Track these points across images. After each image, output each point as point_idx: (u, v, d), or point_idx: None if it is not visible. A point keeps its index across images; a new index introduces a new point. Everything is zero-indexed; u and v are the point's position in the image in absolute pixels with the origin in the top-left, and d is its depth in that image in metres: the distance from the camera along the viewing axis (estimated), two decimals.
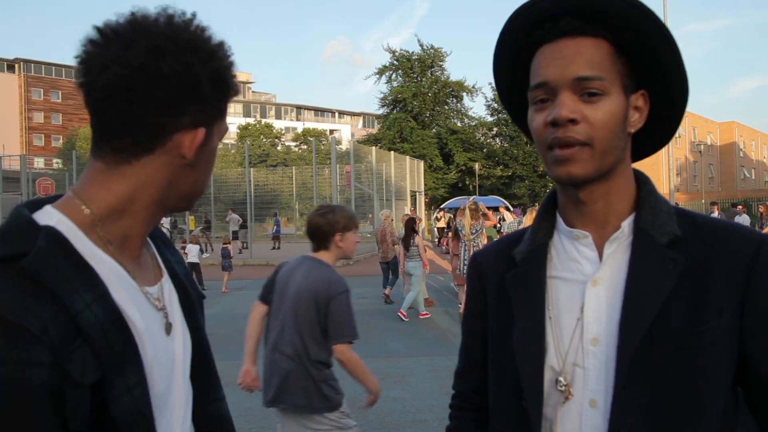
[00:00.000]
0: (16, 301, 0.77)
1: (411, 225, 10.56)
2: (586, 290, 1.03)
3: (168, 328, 1.01)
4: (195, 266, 13.27)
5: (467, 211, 9.61)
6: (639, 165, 1.14)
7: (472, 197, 12.06)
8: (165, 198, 0.97)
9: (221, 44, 0.96)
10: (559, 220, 1.11)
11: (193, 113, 0.93)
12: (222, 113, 0.99)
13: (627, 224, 1.04)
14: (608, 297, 1.02)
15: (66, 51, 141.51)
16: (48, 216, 0.89)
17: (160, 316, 1.00)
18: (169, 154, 0.93)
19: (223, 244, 14.69)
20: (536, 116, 1.02)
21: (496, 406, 1.15)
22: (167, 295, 1.05)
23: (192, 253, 13.39)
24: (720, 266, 0.98)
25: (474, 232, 9.48)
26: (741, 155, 60.07)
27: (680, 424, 0.95)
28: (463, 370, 1.28)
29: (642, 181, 1.09)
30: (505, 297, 1.13)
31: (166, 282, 1.06)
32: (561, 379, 1.02)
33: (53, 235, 0.85)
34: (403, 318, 9.94)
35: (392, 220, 12.69)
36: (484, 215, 9.97)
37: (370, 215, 22.59)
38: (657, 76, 1.04)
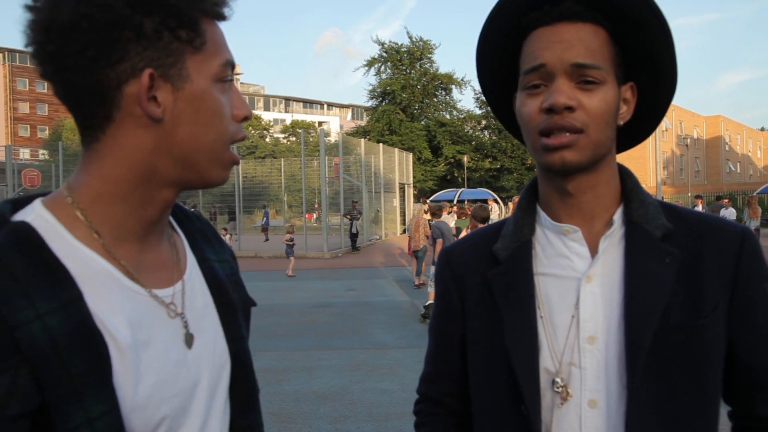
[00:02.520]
0: None
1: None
2: (581, 287, 0.99)
3: (188, 339, 0.85)
4: None
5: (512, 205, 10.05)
6: (626, 157, 1.14)
7: (460, 190, 12.65)
8: (157, 171, 0.80)
9: None
10: (543, 215, 1.06)
11: (134, 55, 0.75)
12: (187, 46, 0.78)
13: (618, 217, 1.01)
14: (603, 293, 0.98)
15: None
16: (30, 211, 0.78)
17: (175, 324, 0.84)
18: (132, 117, 0.77)
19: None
20: (528, 101, 0.96)
21: (486, 411, 1.08)
22: (190, 299, 0.88)
23: None
24: (710, 259, 0.98)
25: None
26: (727, 149, 60.51)
27: (690, 419, 0.94)
28: (434, 374, 1.19)
29: (626, 173, 1.06)
30: (488, 296, 1.07)
31: (190, 283, 0.89)
32: (558, 379, 0.98)
33: (18, 232, 0.73)
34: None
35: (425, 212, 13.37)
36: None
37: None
38: (649, 69, 1.01)
